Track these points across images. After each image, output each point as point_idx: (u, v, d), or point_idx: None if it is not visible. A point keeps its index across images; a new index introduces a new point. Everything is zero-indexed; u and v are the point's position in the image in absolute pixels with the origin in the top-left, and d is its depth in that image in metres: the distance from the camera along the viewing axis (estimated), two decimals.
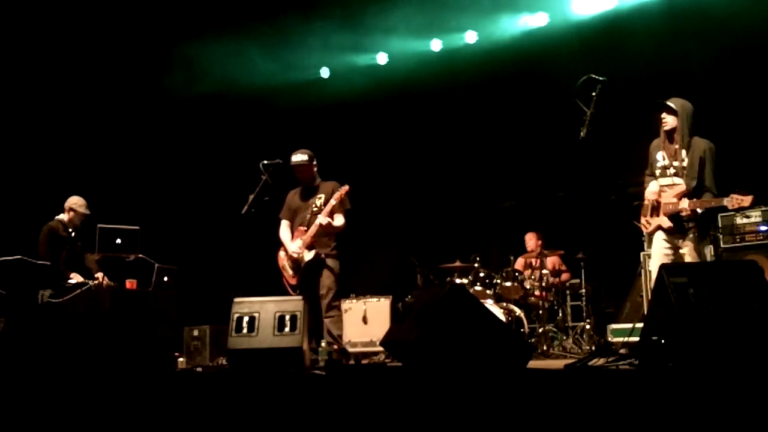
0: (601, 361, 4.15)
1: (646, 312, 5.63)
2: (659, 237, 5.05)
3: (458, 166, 8.89)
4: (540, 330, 7.00)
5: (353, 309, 7.50)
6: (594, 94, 5.00)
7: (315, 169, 5.79)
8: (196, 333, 7.33)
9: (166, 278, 7.08)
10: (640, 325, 4.37)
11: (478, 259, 7.32)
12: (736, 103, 7.14)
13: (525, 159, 8.36)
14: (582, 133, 4.92)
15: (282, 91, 9.47)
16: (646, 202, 5.17)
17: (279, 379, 4.15)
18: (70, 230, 6.74)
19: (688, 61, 7.40)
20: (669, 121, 5.06)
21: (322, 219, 5.46)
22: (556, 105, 6.94)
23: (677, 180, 5.00)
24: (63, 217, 6.75)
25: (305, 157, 5.69)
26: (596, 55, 7.68)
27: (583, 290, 7.14)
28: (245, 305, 4.85)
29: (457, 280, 7.31)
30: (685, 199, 4.87)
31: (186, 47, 8.59)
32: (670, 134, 5.06)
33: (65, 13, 8.15)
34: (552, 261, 7.74)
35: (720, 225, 6.23)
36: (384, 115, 9.08)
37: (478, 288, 7.16)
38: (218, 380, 4.66)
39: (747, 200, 4.69)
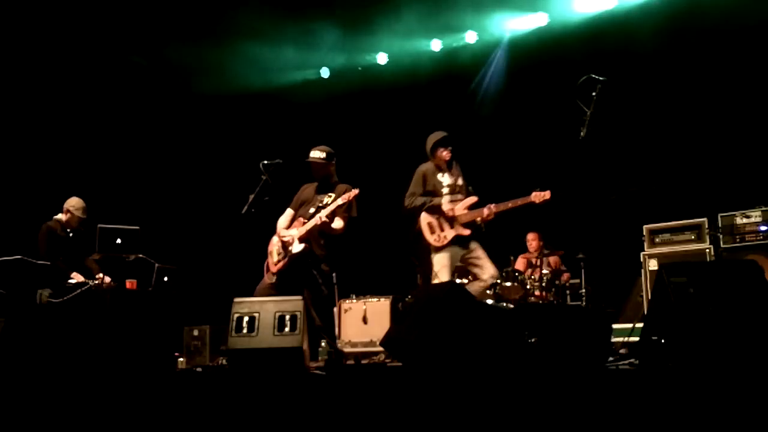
0: None
1: (646, 312, 5.63)
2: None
3: (459, 166, 8.88)
4: None
5: (353, 309, 7.49)
6: (594, 94, 5.00)
7: (332, 168, 5.68)
8: (196, 333, 7.32)
9: (166, 278, 7.08)
10: (640, 325, 4.37)
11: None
12: (736, 102, 7.14)
13: (524, 159, 8.36)
14: (582, 133, 4.93)
15: (282, 91, 9.48)
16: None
17: (279, 379, 4.15)
18: (68, 231, 6.74)
19: (687, 59, 7.41)
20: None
21: (322, 213, 5.31)
22: (555, 105, 6.95)
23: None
24: (61, 217, 6.75)
25: (322, 155, 5.60)
26: (596, 54, 7.69)
27: (583, 290, 7.12)
28: (245, 305, 4.85)
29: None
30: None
31: (185, 47, 8.60)
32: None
33: (64, 13, 8.16)
34: (552, 261, 7.74)
35: (720, 225, 6.23)
36: (384, 115, 9.09)
37: None
38: (218, 380, 4.66)
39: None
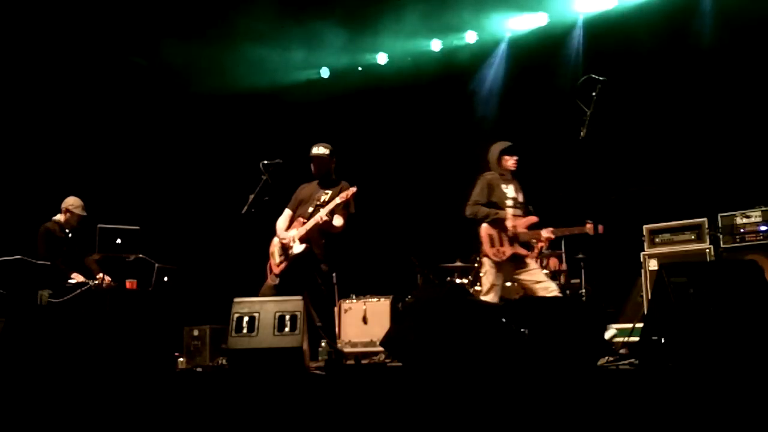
0: (601, 361, 4.15)
1: (646, 312, 5.63)
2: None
3: (459, 166, 8.88)
4: None
5: (353, 309, 7.50)
6: (594, 94, 5.00)
7: (333, 165, 5.73)
8: (196, 333, 7.32)
9: (166, 278, 7.07)
10: (640, 325, 4.37)
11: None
12: (735, 102, 7.14)
13: (524, 159, 8.37)
14: (582, 133, 4.93)
15: (282, 91, 9.47)
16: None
17: (279, 379, 4.16)
18: (67, 231, 6.73)
19: (686, 59, 7.41)
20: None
21: (322, 213, 5.34)
22: (556, 104, 6.94)
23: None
24: (59, 217, 6.75)
25: (326, 151, 5.67)
26: (596, 54, 7.69)
27: (583, 290, 7.13)
28: (245, 305, 4.85)
29: (457, 280, 7.30)
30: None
31: (184, 47, 8.59)
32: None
33: (64, 13, 8.15)
34: (552, 261, 7.74)
35: (720, 225, 6.23)
36: (384, 115, 9.08)
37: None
38: (218, 380, 4.67)
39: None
